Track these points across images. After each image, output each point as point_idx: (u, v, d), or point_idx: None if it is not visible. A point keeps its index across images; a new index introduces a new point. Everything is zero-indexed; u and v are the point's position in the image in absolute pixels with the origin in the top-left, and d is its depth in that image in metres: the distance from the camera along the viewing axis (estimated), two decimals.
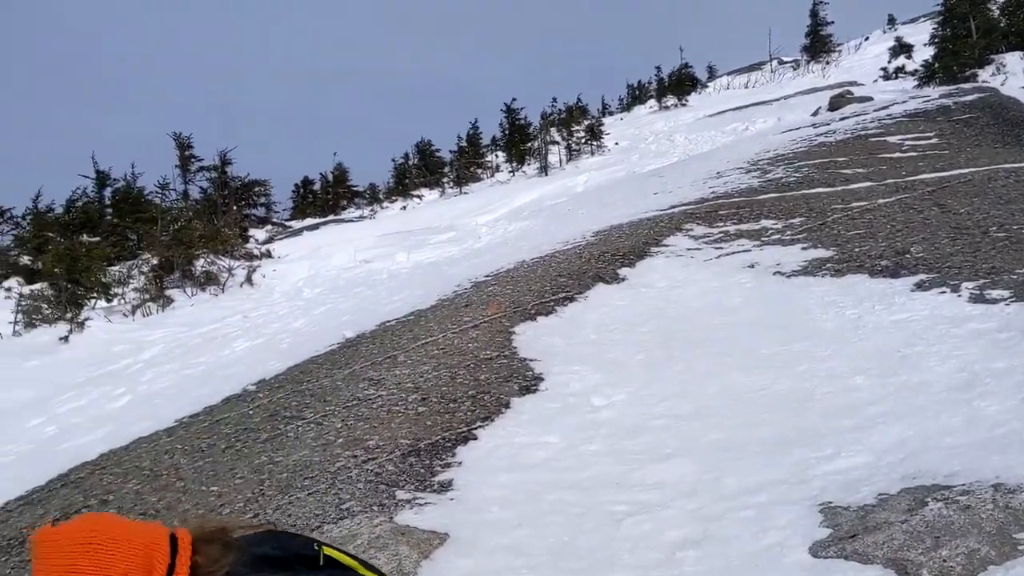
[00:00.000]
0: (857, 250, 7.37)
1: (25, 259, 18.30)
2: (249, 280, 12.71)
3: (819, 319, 6.07)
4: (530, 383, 5.35)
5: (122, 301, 13.39)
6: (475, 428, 4.72)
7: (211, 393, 6.97)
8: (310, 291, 11.63)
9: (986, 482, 3.29)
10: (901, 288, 6.35)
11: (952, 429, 3.98)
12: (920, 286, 6.29)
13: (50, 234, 18.11)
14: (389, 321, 7.66)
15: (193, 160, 22.99)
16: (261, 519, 4.03)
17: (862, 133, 12.57)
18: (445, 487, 4.07)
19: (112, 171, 23.15)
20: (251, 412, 5.86)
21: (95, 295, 13.06)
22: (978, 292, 5.88)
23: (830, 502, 3.46)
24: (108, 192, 22.82)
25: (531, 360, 5.78)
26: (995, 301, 5.65)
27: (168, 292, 12.62)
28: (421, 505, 3.87)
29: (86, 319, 10.64)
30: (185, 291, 12.89)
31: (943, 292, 6.05)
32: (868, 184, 9.51)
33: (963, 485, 3.31)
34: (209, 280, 12.96)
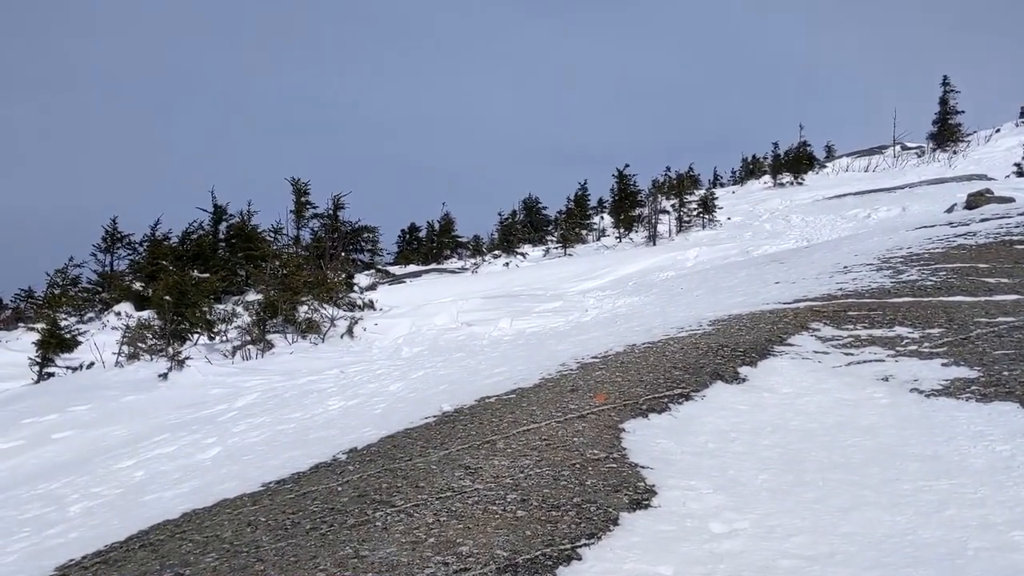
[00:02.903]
0: (1006, 374, 6.68)
1: (137, 285, 18.83)
2: (350, 332, 12.64)
3: (966, 452, 5.43)
4: (642, 496, 4.89)
5: (224, 339, 13.49)
6: (579, 546, 4.28)
7: (301, 457, 6.75)
8: (409, 350, 11.43)
9: None
10: None
11: None
12: None
13: (163, 263, 18.61)
14: (489, 398, 7.32)
15: (308, 206, 23.49)
16: None
17: (1006, 239, 11.72)
18: None
19: (229, 207, 23.86)
20: (339, 489, 5.57)
21: (199, 330, 13.19)
22: None
23: None
24: (223, 227, 23.47)
25: (642, 467, 5.32)
26: None
27: (269, 336, 12.63)
28: None
29: (187, 358, 10.67)
30: (286, 337, 12.90)
31: None
32: (1015, 297, 8.75)
33: None
34: (310, 328, 12.95)
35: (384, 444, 6.50)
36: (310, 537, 4.83)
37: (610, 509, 4.73)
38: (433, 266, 38.09)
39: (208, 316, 13.20)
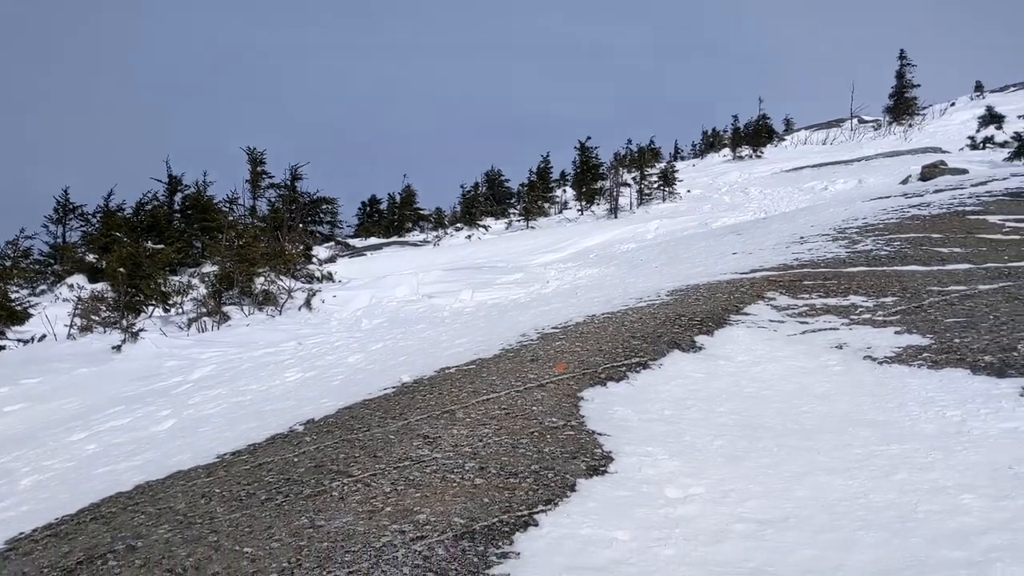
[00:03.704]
0: (957, 341, 6.80)
1: (90, 257, 18.46)
2: (308, 304, 12.51)
3: (917, 418, 5.53)
4: (599, 463, 4.91)
5: (179, 311, 13.29)
6: (536, 512, 4.29)
7: (257, 428, 6.69)
8: (368, 322, 11.35)
9: None
10: (1009, 390, 5.78)
11: None
12: None
13: (117, 234, 18.25)
14: (449, 368, 7.30)
15: (264, 176, 23.11)
16: None
17: (959, 209, 11.91)
18: None
19: (184, 177, 23.41)
20: (296, 460, 5.52)
21: (153, 303, 12.97)
22: None
23: None
24: (178, 198, 23.04)
25: (600, 434, 5.34)
26: None
27: (225, 308, 12.45)
28: None
29: (140, 330, 10.49)
30: (242, 309, 12.73)
31: None
32: (967, 266, 8.90)
33: None
34: (267, 300, 12.79)
35: (342, 415, 6.46)
36: (265, 508, 4.78)
37: (567, 476, 4.74)
38: (394, 239, 37.85)
39: (163, 288, 12.97)
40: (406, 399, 6.52)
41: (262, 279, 13.09)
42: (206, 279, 13.33)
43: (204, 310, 12.11)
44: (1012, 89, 55.90)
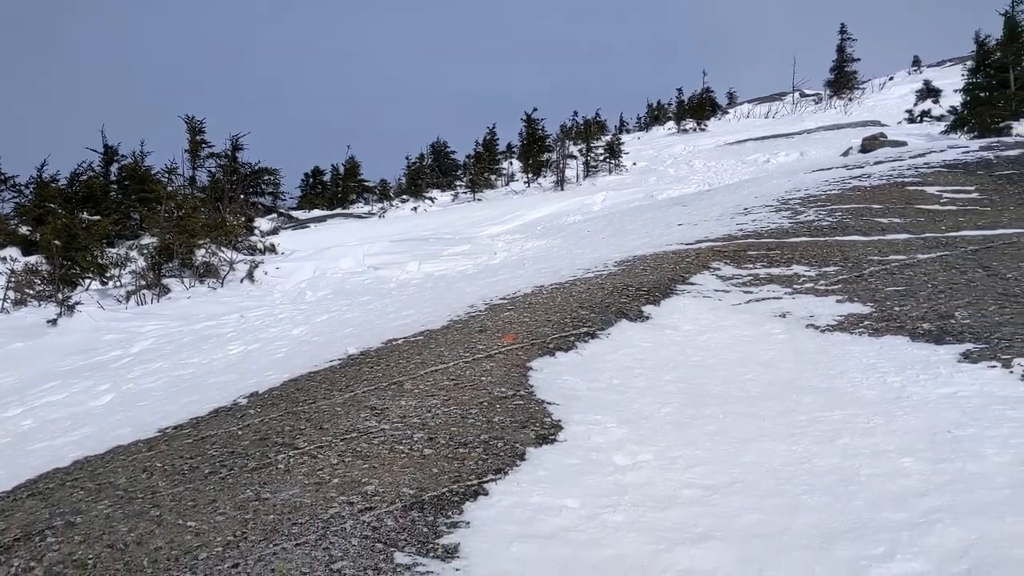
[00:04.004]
0: (897, 309, 6.94)
1: (24, 229, 17.88)
2: (250, 276, 12.27)
3: (859, 384, 5.63)
4: (548, 432, 4.91)
5: (117, 284, 12.96)
6: (486, 481, 4.27)
7: (199, 402, 6.55)
8: (313, 294, 11.19)
9: None
10: (946, 357, 5.92)
11: (1022, 538, 3.53)
12: (967, 356, 5.85)
13: (51, 206, 17.69)
14: (396, 340, 7.22)
15: (204, 145, 22.53)
16: (241, 570, 3.59)
17: (898, 180, 12.13)
18: (451, 553, 3.62)
19: (121, 147, 22.71)
20: (240, 433, 5.42)
21: (90, 275, 12.62)
22: None
23: None
24: (115, 168, 22.37)
25: (549, 403, 5.34)
26: None
27: (165, 281, 12.16)
28: (423, 574, 3.42)
29: (77, 303, 10.19)
30: (183, 281, 12.45)
31: (993, 366, 5.61)
32: (906, 236, 9.08)
33: None
34: (208, 272, 12.52)
35: (287, 388, 6.35)
36: (209, 481, 4.69)
37: (517, 445, 4.73)
38: (338, 211, 37.37)
39: (100, 260, 12.61)
40: (352, 371, 6.44)
41: (203, 251, 12.81)
42: (145, 251, 13.01)
43: (143, 283, 11.80)
44: (948, 64, 57.07)
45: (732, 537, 3.79)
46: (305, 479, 4.48)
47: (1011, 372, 5.49)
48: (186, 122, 21.74)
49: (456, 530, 3.82)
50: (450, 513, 3.98)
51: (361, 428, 5.11)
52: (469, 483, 4.26)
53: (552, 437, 4.85)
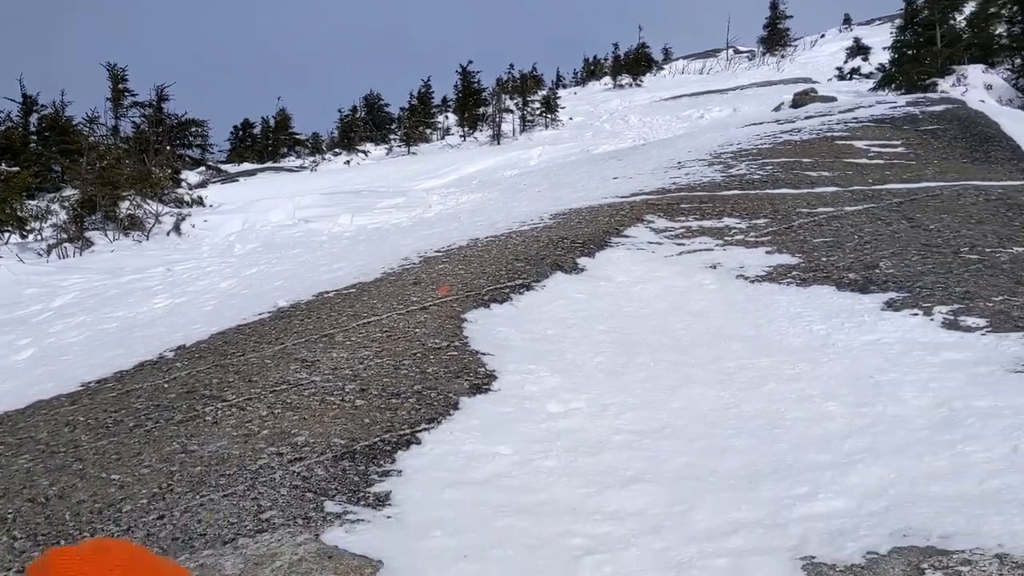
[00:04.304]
0: (824, 259, 7.09)
1: None
2: (177, 229, 11.95)
3: (786, 332, 5.75)
4: (482, 381, 4.90)
5: (38, 237, 12.51)
6: (419, 431, 4.26)
7: (124, 355, 6.38)
8: (242, 247, 10.95)
9: (988, 551, 2.95)
10: (871, 305, 6.07)
11: (938, 475, 3.65)
12: (890, 305, 6.01)
13: None
14: (328, 292, 7.12)
15: (126, 94, 21.69)
16: (167, 521, 3.52)
17: (828, 135, 12.34)
18: (382, 501, 3.60)
19: (40, 97, 21.78)
20: (166, 386, 5.29)
21: (9, 229, 12.14)
22: (952, 318, 5.62)
23: (813, 557, 3.09)
24: (34, 119, 21.46)
25: (483, 354, 5.32)
26: (970, 329, 5.40)
27: (88, 234, 11.77)
28: (353, 522, 3.40)
29: None
30: (107, 235, 12.06)
31: (915, 314, 5.78)
32: (834, 189, 9.26)
33: (963, 552, 2.96)
34: (133, 225, 12.13)
35: (215, 341, 6.22)
36: (134, 435, 4.57)
37: (451, 394, 4.72)
38: (269, 164, 36.59)
39: (19, 213, 12.13)
40: (282, 324, 6.33)
41: (127, 203, 12.40)
42: (66, 204, 12.54)
43: (65, 236, 11.41)
44: (878, 22, 57.95)
45: (661, 479, 3.85)
46: (233, 431, 4.40)
47: (932, 320, 5.66)
48: (108, 70, 20.92)
49: (388, 478, 3.80)
50: (382, 462, 3.96)
51: (291, 380, 5.04)
52: (402, 432, 4.24)
53: (486, 387, 4.85)
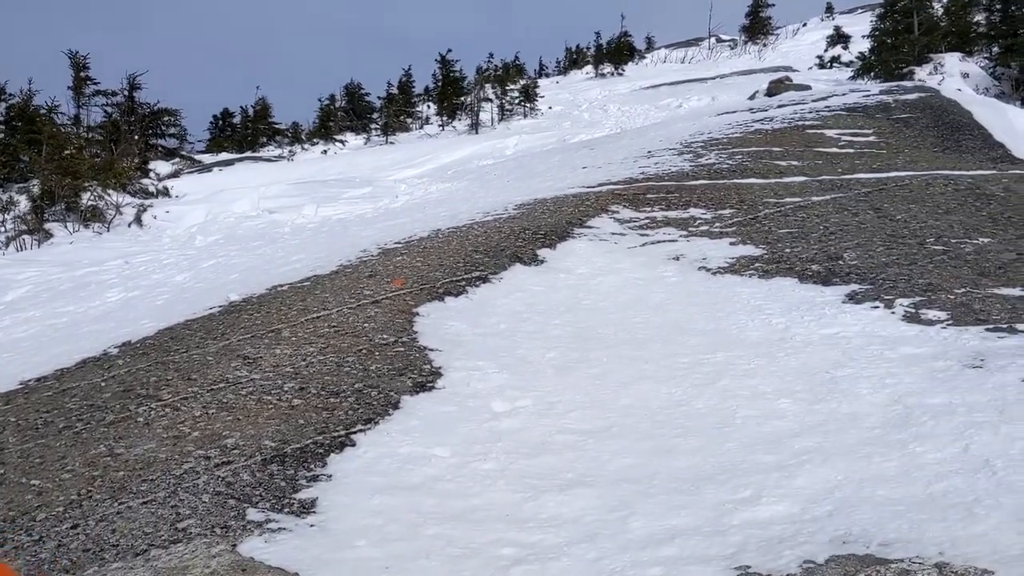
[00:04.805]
0: (788, 251, 6.96)
1: None
2: (138, 220, 11.71)
3: (744, 326, 5.62)
4: (426, 379, 4.75)
5: (2, 229, 12.26)
6: (354, 432, 4.10)
7: (69, 352, 6.18)
8: (203, 239, 10.74)
9: (928, 560, 2.83)
10: (832, 298, 5.96)
11: (886, 478, 3.53)
12: (852, 297, 5.90)
13: None
14: (282, 286, 6.93)
15: (89, 82, 21.26)
16: (80, 531, 3.35)
17: (799, 123, 12.22)
18: (307, 508, 3.44)
19: (8, 85, 21.36)
20: (103, 384, 5.11)
21: None
22: (913, 311, 5.51)
23: (748, 567, 2.96)
24: (2, 108, 21.06)
25: (431, 350, 5.17)
26: (931, 323, 5.29)
27: (48, 226, 11.51)
28: (274, 531, 3.24)
29: None
30: (67, 226, 11.80)
31: (876, 307, 5.67)
32: (802, 179, 9.14)
33: (901, 562, 2.84)
34: (94, 216, 11.88)
35: (161, 336, 6.03)
36: (62, 436, 4.40)
37: (392, 393, 4.56)
38: (248, 154, 36.24)
39: None
40: (231, 319, 6.15)
41: (89, 194, 12.14)
42: (27, 193, 12.29)
43: (24, 228, 11.16)
44: (860, 11, 57.88)
45: (602, 482, 3.71)
46: (164, 433, 4.23)
47: (893, 312, 5.55)
48: (69, 57, 20.50)
49: (316, 484, 3.65)
50: (312, 466, 3.80)
51: (230, 378, 4.86)
52: (336, 434, 4.08)
53: (430, 384, 4.69)
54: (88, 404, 4.82)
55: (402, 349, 5.19)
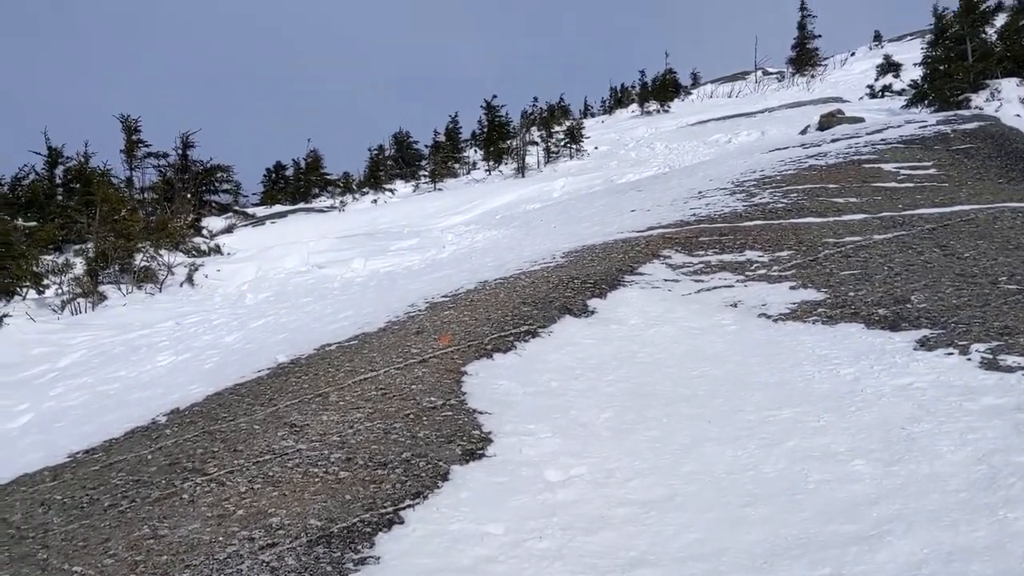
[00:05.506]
0: (852, 294, 6.65)
1: None
2: (190, 280, 11.78)
3: (811, 378, 5.33)
4: (476, 446, 4.55)
5: (59, 291, 12.44)
6: (403, 508, 3.91)
7: (118, 420, 6.14)
8: (254, 297, 10.74)
9: None
10: (902, 345, 5.63)
11: (976, 550, 3.23)
12: (923, 344, 5.56)
13: None
14: (330, 345, 6.83)
15: (140, 145, 21.73)
16: None
17: (855, 158, 11.87)
18: None
19: (66, 148, 21.93)
20: (150, 457, 5.02)
21: (26, 284, 12.07)
22: (991, 357, 5.16)
23: None
24: (60, 171, 21.62)
25: (481, 413, 4.98)
26: (1011, 370, 4.94)
27: (102, 288, 11.64)
28: None
29: (5, 315, 9.68)
30: (120, 288, 11.93)
31: (950, 354, 5.33)
32: (862, 216, 8.81)
33: None
34: (147, 277, 11.99)
35: (209, 403, 5.95)
36: (107, 516, 4.29)
37: (440, 463, 4.37)
38: (300, 205, 36.68)
39: (35, 268, 12.06)
40: (279, 382, 6.04)
41: (141, 255, 12.29)
42: (82, 256, 12.48)
43: (79, 290, 11.31)
44: (909, 38, 57.17)
45: (666, 561, 3.46)
46: (208, 511, 4.09)
47: (968, 359, 5.22)
48: (121, 121, 21.02)
49: (363, 567, 3.46)
50: (359, 547, 3.61)
51: (277, 449, 4.73)
52: (384, 511, 3.90)
53: (480, 452, 4.49)
54: (134, 479, 4.73)
55: (450, 413, 5.01)
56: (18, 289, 12.04)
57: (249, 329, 8.63)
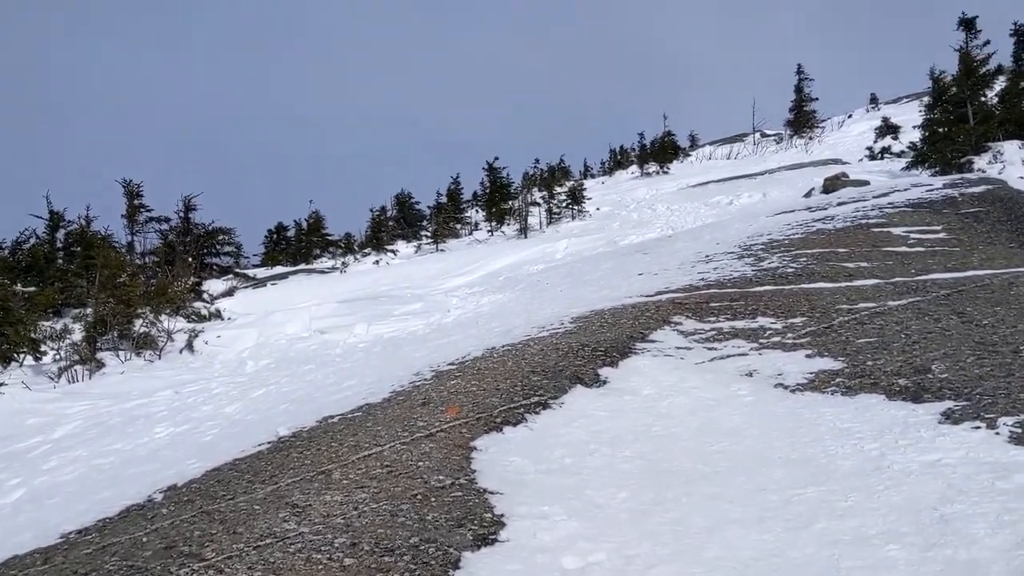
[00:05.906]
0: (870, 363, 6.47)
1: None
2: (190, 347, 11.60)
3: (834, 453, 5.12)
4: (488, 530, 4.33)
5: (57, 357, 12.25)
6: None
7: (112, 498, 5.90)
8: (254, 364, 10.54)
9: None
10: (926, 417, 5.42)
11: None
12: (948, 416, 5.36)
13: None
14: (332, 417, 6.63)
15: (142, 210, 21.77)
16: None
17: (863, 222, 11.79)
18: None
19: (67, 212, 21.96)
20: (145, 539, 4.78)
21: (24, 351, 11.88)
22: (1020, 431, 4.96)
23: None
24: (61, 234, 21.60)
25: (492, 492, 4.76)
26: None
27: (101, 355, 11.45)
28: None
29: (0, 384, 9.47)
30: (118, 355, 11.73)
31: (977, 428, 5.13)
32: (875, 281, 8.67)
33: None
34: (146, 344, 11.81)
35: (207, 479, 5.73)
36: None
37: (451, 549, 4.14)
38: (302, 266, 36.70)
39: (33, 334, 11.89)
40: (280, 458, 5.83)
41: (141, 320, 12.13)
42: (81, 321, 12.33)
43: (77, 357, 11.12)
44: (905, 100, 57.90)
45: None
46: None
47: (997, 433, 5.01)
48: (123, 186, 21.08)
49: None
50: None
51: (278, 532, 4.50)
52: None
53: (492, 537, 4.27)
54: (128, 565, 4.49)
55: (460, 493, 4.79)
56: (15, 356, 11.84)
57: (250, 399, 8.42)
